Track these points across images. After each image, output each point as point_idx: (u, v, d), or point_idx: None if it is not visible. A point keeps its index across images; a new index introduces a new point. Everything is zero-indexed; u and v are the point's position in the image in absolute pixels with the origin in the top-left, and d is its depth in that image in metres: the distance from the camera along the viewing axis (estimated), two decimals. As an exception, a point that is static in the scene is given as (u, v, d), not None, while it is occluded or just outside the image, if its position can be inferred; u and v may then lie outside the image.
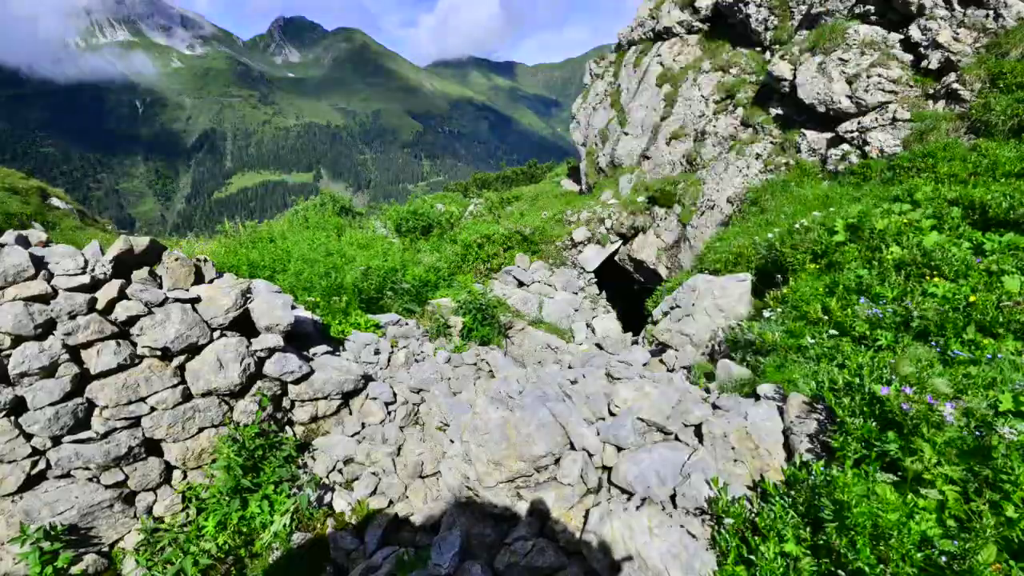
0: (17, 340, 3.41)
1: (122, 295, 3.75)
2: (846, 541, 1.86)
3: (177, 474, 4.05)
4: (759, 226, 6.73)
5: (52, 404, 3.47)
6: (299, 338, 4.83)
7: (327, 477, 4.39)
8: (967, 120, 6.01)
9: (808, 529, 2.01)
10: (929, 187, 4.91)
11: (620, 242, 11.01)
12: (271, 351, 4.28)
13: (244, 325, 4.31)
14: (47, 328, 3.50)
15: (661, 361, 5.11)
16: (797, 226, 5.21)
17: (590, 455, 2.82)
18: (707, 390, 3.58)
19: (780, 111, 8.72)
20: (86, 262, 3.71)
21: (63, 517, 3.54)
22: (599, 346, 7.34)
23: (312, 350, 4.84)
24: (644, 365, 5.12)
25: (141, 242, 4.10)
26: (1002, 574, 1.67)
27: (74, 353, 3.61)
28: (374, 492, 4.29)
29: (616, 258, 11.18)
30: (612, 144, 13.16)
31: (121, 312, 3.67)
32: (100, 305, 3.65)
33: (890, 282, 3.70)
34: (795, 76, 8.05)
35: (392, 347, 5.80)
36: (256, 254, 7.51)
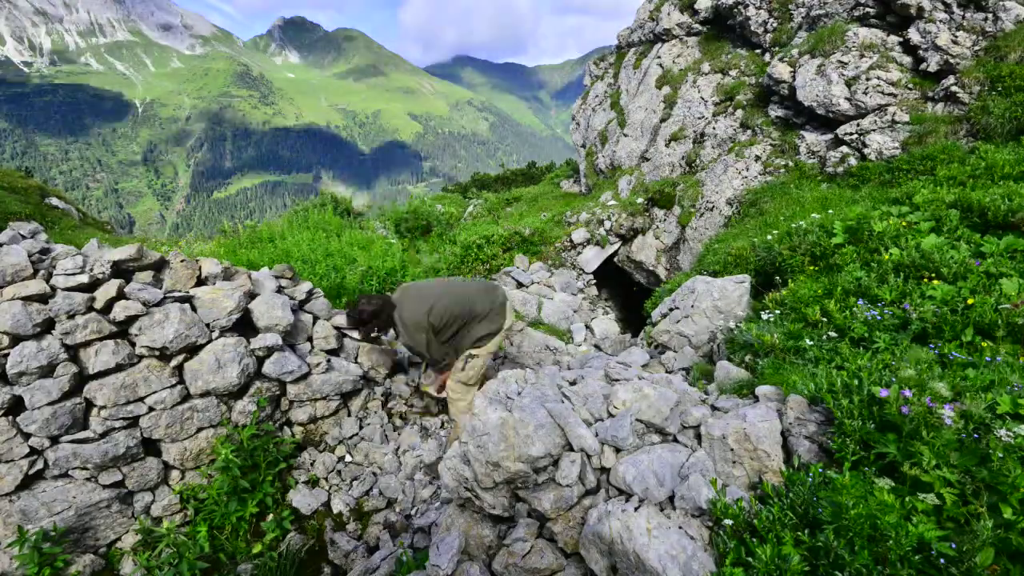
0: (15, 339, 3.41)
1: (121, 295, 3.75)
2: (844, 543, 1.86)
3: (175, 474, 4.05)
4: (758, 228, 6.72)
5: (50, 404, 3.46)
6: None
7: (326, 478, 4.39)
8: (966, 123, 6.02)
9: (806, 531, 2.01)
10: (928, 190, 4.91)
11: (619, 243, 11.00)
12: (270, 350, 4.28)
13: (243, 325, 4.31)
14: (45, 327, 3.50)
15: (660, 362, 5.10)
16: (796, 228, 5.21)
17: (588, 456, 2.82)
18: (706, 392, 3.58)
19: (779, 113, 8.72)
20: (85, 261, 3.71)
21: (60, 517, 3.52)
22: (598, 347, 7.34)
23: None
24: (643, 366, 5.12)
25: (152, 254, 4.13)
26: (999, 576, 1.67)
27: (72, 353, 3.61)
28: (373, 493, 4.29)
29: (615, 259, 11.18)
30: (611, 145, 13.17)
31: (120, 311, 3.67)
32: (99, 304, 3.64)
33: (889, 284, 3.70)
34: (794, 78, 8.06)
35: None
36: (256, 254, 7.50)
